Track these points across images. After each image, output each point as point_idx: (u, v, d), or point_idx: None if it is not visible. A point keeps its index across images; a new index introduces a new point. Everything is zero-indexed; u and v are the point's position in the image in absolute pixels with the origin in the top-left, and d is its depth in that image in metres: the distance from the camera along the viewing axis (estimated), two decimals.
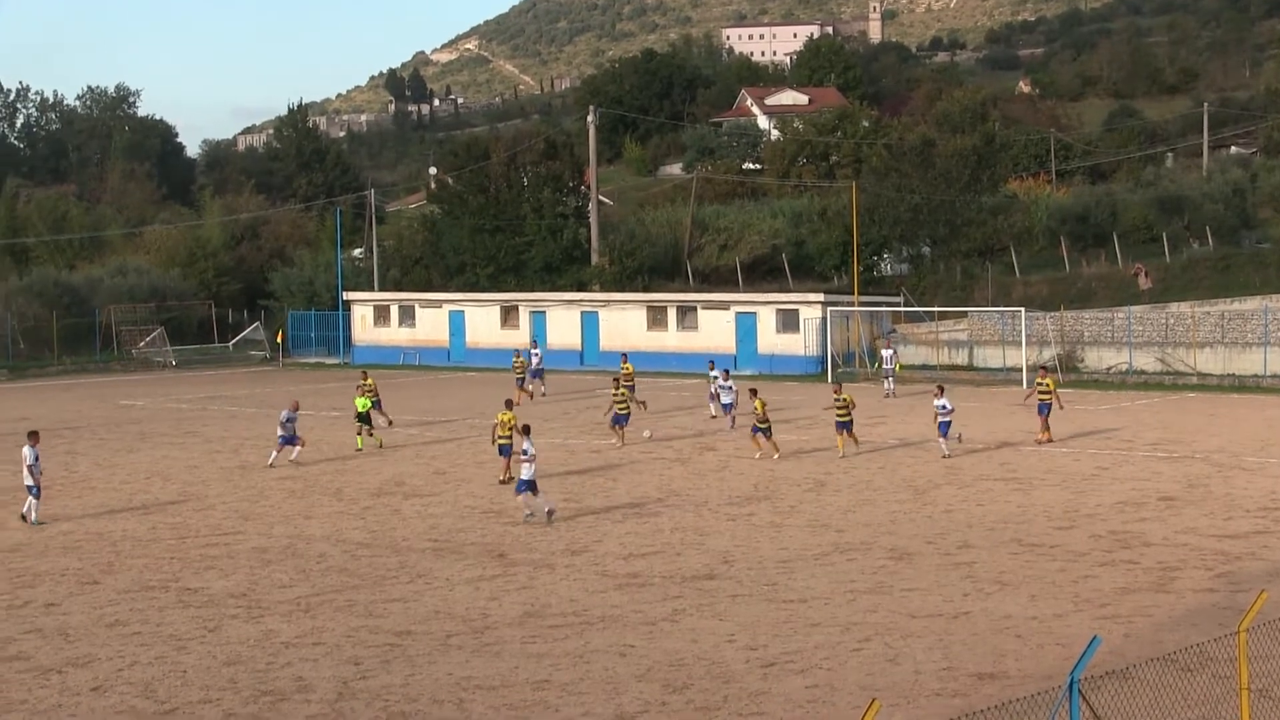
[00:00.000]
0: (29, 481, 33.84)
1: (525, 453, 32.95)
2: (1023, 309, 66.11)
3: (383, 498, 36.68)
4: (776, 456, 41.53)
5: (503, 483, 37.47)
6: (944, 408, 41.95)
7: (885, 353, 60.95)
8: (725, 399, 49.39)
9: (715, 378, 51.44)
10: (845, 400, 41.98)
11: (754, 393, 43.31)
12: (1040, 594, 24.97)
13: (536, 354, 63.63)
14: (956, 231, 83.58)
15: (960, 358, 70.35)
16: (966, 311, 73.26)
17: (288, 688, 20.49)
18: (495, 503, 35.43)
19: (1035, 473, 38.54)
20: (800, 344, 71.26)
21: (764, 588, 25.93)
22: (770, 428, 42.08)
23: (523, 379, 60.27)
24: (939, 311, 73.51)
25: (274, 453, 42.23)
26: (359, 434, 45.63)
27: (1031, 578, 26.19)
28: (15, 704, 20.08)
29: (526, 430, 34.62)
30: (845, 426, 41.99)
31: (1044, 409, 44.02)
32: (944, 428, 41.77)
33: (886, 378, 59.61)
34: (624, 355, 57.58)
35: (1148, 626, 22.79)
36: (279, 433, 42.22)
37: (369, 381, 53.26)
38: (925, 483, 37.36)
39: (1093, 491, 35.42)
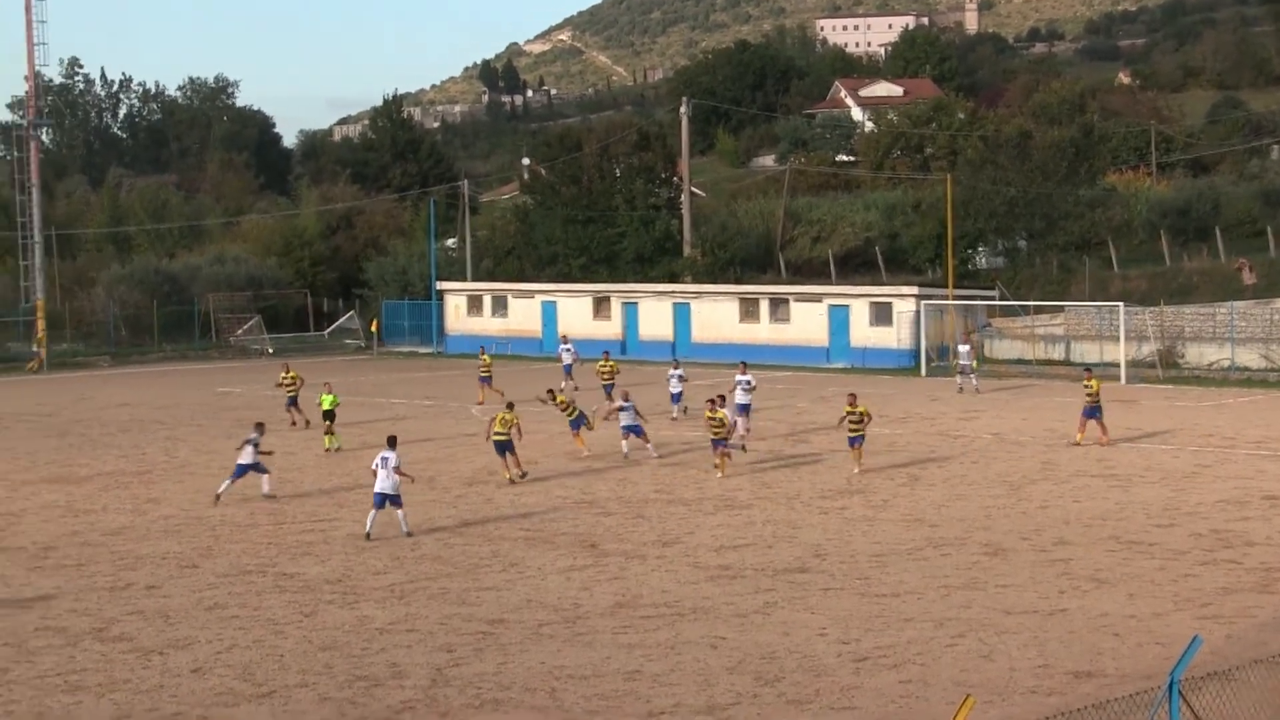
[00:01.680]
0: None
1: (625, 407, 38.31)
2: (1121, 304, 65.46)
3: (475, 486, 36.84)
4: (727, 467, 37.99)
5: (512, 482, 37.17)
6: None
7: (962, 349, 60.35)
8: (741, 399, 44.91)
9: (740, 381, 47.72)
10: (860, 413, 38.58)
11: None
12: (1139, 592, 24.74)
13: (569, 349, 62.38)
14: (1053, 225, 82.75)
15: (1056, 353, 69.76)
16: (1063, 306, 72.59)
17: (382, 673, 20.64)
18: (587, 493, 35.51)
19: (1134, 469, 38.16)
20: (893, 337, 70.90)
21: (856, 581, 25.84)
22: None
23: (489, 378, 56.49)
24: (1035, 306, 72.90)
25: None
26: (327, 434, 43.80)
27: (1129, 575, 25.94)
28: (119, 683, 20.37)
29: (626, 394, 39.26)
30: (856, 441, 38.50)
31: (1091, 412, 42.77)
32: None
33: (962, 373, 59.03)
34: (605, 352, 56.03)
35: (1251, 628, 22.50)
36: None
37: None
38: (1021, 478, 37.09)
39: (1193, 489, 35.02)
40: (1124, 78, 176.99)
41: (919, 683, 19.89)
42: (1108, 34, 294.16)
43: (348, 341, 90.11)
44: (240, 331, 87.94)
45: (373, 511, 30.30)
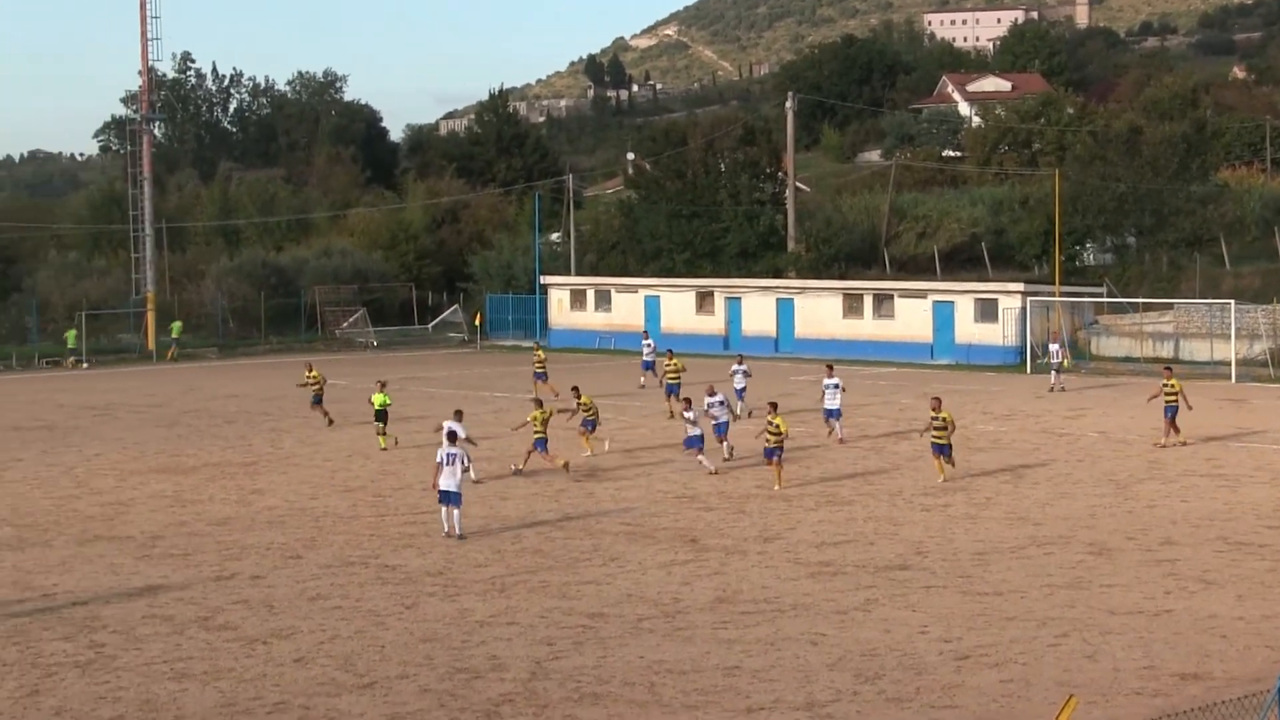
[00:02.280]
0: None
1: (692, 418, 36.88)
2: (1232, 301, 64.64)
3: (578, 481, 36.91)
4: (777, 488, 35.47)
5: (518, 471, 37.79)
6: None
7: (1053, 347, 59.79)
8: (830, 404, 43.81)
9: (736, 371, 49.29)
10: (945, 419, 35.98)
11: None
12: (1248, 594, 24.39)
13: (650, 345, 62.11)
14: (1163, 221, 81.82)
15: (1165, 350, 68.95)
16: (1172, 303, 71.80)
17: (482, 666, 20.73)
18: (688, 488, 35.49)
19: (1243, 469, 37.66)
20: (998, 334, 70.38)
21: (958, 579, 25.67)
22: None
23: (544, 374, 56.18)
24: (1144, 303, 72.13)
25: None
26: (380, 434, 42.88)
27: (1238, 577, 25.59)
28: (224, 672, 20.59)
29: (689, 403, 37.87)
30: (943, 450, 36.16)
31: (1170, 411, 41.96)
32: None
33: (1054, 371, 58.44)
34: (669, 350, 54.54)
35: None
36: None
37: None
38: (1127, 477, 36.70)
39: None
40: (1238, 72, 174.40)
41: (1021, 682, 19.72)
42: (1222, 27, 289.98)
43: (451, 335, 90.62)
44: (345, 324, 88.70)
45: (443, 509, 29.97)
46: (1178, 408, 41.96)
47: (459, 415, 36.78)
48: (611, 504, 33.65)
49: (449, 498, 29.87)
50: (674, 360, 50.82)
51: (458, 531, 29.79)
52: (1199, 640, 21.64)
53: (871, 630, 22.38)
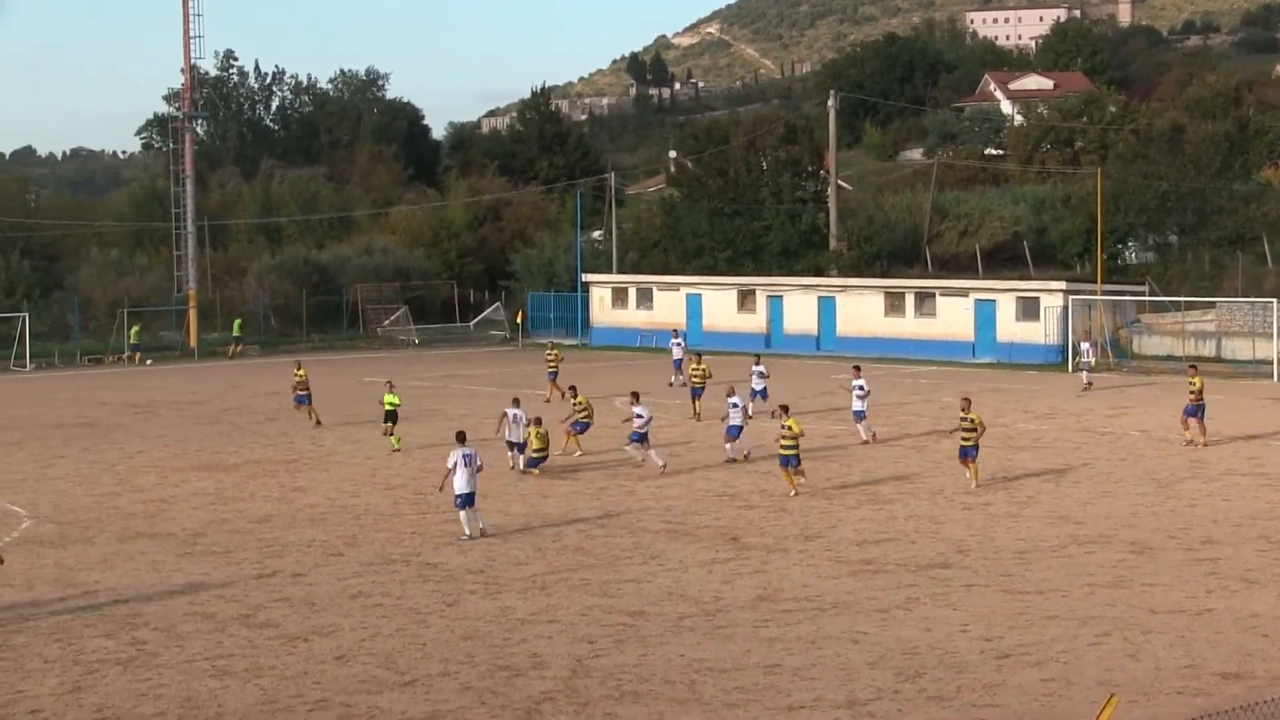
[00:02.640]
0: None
1: (640, 416, 36.93)
2: (1275, 300, 64.18)
3: (618, 479, 36.94)
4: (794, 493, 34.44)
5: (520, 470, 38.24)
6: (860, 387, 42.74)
7: (1084, 345, 59.53)
8: (856, 405, 43.46)
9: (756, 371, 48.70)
10: (973, 420, 34.91)
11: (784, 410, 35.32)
12: None
13: (680, 343, 61.50)
14: (1206, 220, 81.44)
15: (1207, 349, 68.61)
16: (1215, 302, 71.43)
17: (523, 663, 20.77)
18: (729, 486, 35.49)
19: None
20: (1040, 333, 70.12)
21: (1000, 578, 25.61)
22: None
23: (556, 374, 55.62)
24: (1185, 302, 71.78)
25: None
26: (389, 434, 42.68)
27: None
28: (265, 669, 20.68)
29: (636, 396, 38.58)
30: (969, 453, 35.15)
31: (1193, 410, 41.74)
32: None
33: (1084, 370, 58.13)
34: (697, 354, 53.67)
35: None
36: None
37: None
38: (1169, 476, 36.55)
39: None
40: None
41: (1062, 681, 19.67)
42: (1265, 25, 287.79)
43: (493, 333, 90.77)
44: (387, 322, 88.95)
45: (462, 513, 29.76)
46: (1204, 406, 41.83)
47: (517, 402, 38.96)
48: (653, 502, 33.67)
49: (469, 500, 29.70)
50: (702, 365, 50.24)
51: (480, 526, 29.79)
52: (1241, 639, 21.54)
53: (912, 629, 22.34)
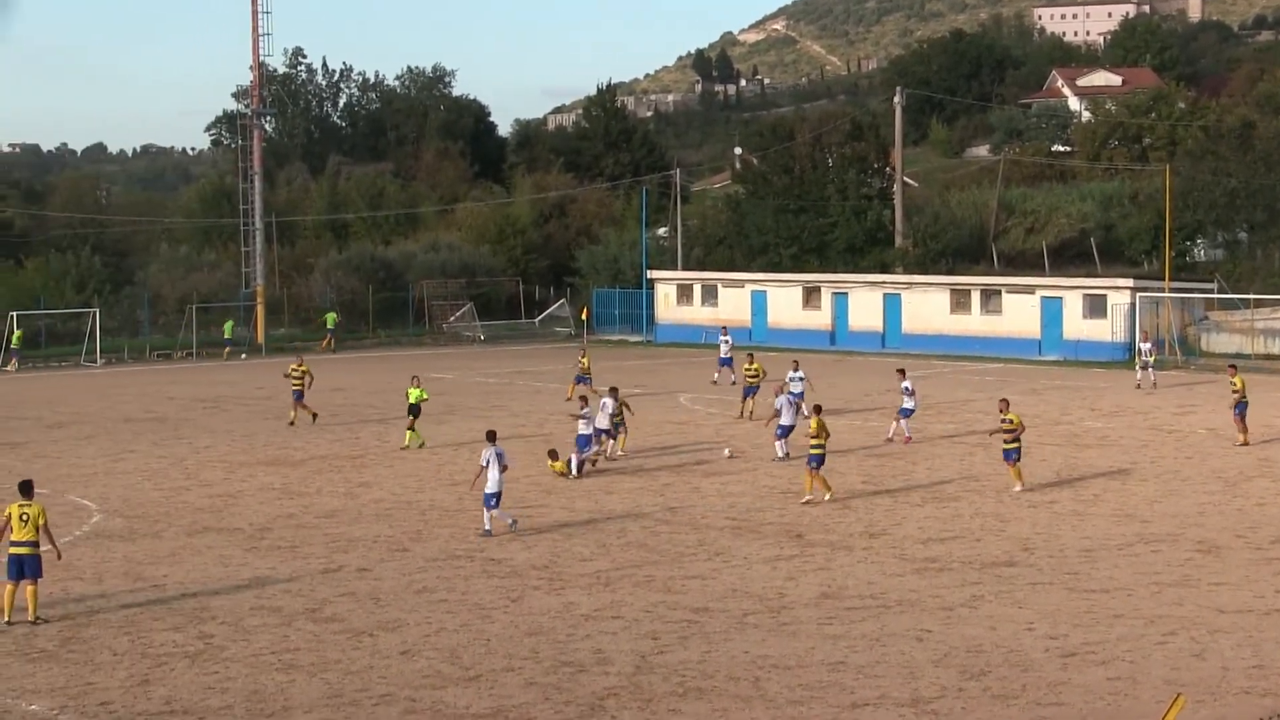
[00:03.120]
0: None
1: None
2: None
3: (682, 475, 36.98)
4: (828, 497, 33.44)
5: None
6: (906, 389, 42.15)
7: (1143, 345, 59.06)
8: (906, 404, 43.07)
9: (792, 379, 46.19)
10: (1014, 421, 34.19)
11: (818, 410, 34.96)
12: None
13: (727, 340, 60.25)
14: (1276, 217, 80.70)
15: (1277, 347, 68.04)
16: None
17: (587, 659, 20.83)
18: (794, 483, 35.44)
19: None
20: (1107, 330, 69.71)
21: (1065, 576, 25.49)
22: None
23: (587, 378, 54.18)
24: (1255, 299, 71.18)
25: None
26: (410, 429, 42.45)
27: None
28: (330, 663, 20.82)
29: (585, 401, 37.10)
30: (1011, 455, 34.37)
31: (1239, 409, 41.55)
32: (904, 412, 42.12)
33: (1145, 368, 57.58)
34: (750, 354, 52.56)
35: None
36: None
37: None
38: (1236, 474, 36.27)
39: None
40: None
41: (1128, 680, 19.58)
42: None
43: (558, 329, 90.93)
44: (453, 318, 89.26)
45: (486, 513, 29.74)
46: (1247, 404, 41.61)
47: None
48: (717, 498, 33.69)
49: (494, 500, 29.68)
50: (754, 364, 49.20)
51: (508, 521, 29.74)
52: None
53: (977, 627, 22.28)
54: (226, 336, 78.81)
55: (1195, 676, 19.66)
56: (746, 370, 49.53)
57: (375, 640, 22.00)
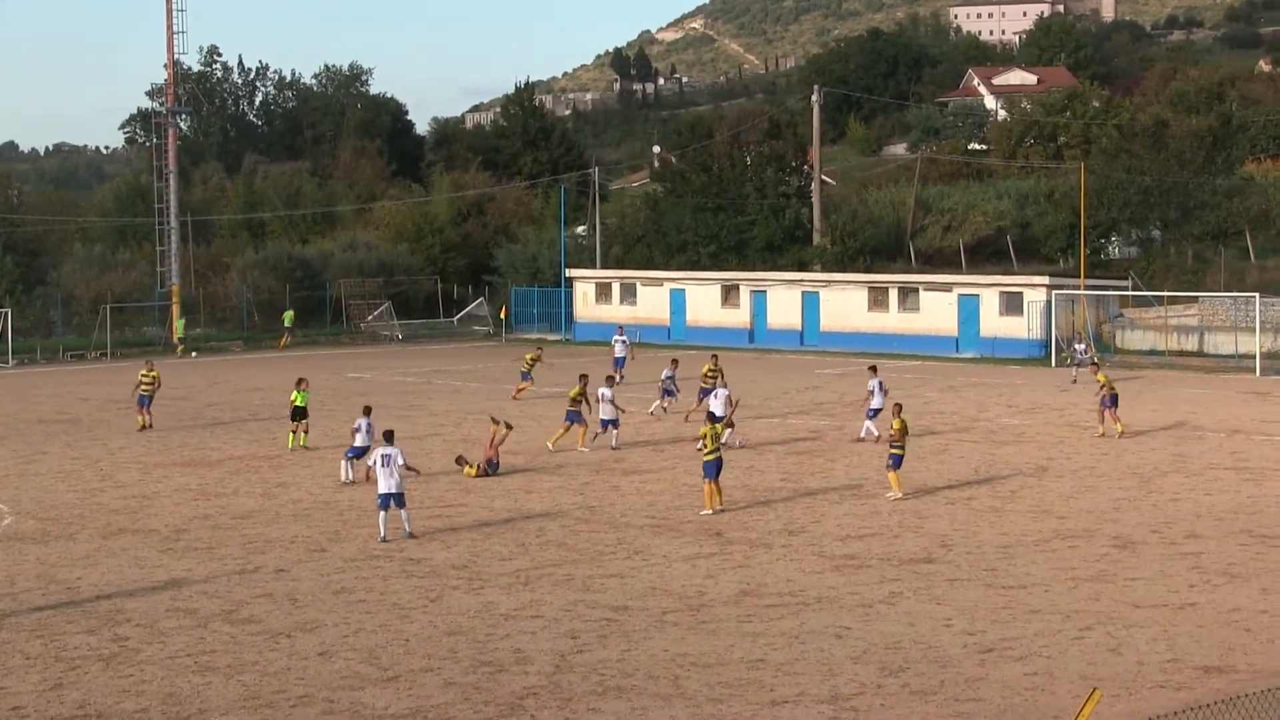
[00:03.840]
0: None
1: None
2: (1257, 295, 64.39)
3: (602, 474, 36.96)
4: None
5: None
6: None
7: (1078, 346, 59.81)
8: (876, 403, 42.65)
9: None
10: (899, 427, 33.42)
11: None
12: (1272, 587, 24.33)
13: (623, 340, 59.31)
14: (1189, 214, 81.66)
15: (1190, 344, 68.80)
16: (1197, 297, 71.62)
17: (506, 659, 20.76)
18: None
19: (1268, 462, 37.56)
20: (1023, 327, 70.24)
21: (983, 573, 25.64)
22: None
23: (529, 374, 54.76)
24: (1168, 296, 71.95)
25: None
26: (292, 432, 41.91)
27: (1263, 570, 25.53)
28: (248, 665, 20.64)
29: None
30: (897, 462, 33.22)
31: (1104, 401, 42.80)
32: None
33: (1078, 365, 58.12)
34: (714, 354, 51.12)
35: None
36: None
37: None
38: (1151, 470, 36.62)
39: None
40: (1264, 65, 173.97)
41: (1045, 675, 19.70)
42: (1248, 21, 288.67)
43: (477, 328, 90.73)
44: (371, 317, 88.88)
45: (381, 514, 29.31)
46: (1116, 396, 42.97)
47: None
48: (636, 497, 33.67)
49: (390, 500, 29.28)
50: (716, 367, 47.33)
51: (406, 530, 29.35)
52: (1223, 634, 21.59)
53: (896, 623, 22.36)
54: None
55: (1111, 671, 19.80)
56: (707, 371, 47.36)
57: (293, 641, 21.84)
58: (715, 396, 41.33)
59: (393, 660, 20.80)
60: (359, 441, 35.75)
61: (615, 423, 41.21)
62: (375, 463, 29.56)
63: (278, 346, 79.13)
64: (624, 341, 59.61)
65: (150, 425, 46.60)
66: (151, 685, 19.76)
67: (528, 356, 54.83)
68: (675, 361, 50.25)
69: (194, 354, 76.56)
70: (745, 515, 31.22)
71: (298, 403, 41.93)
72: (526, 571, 26.11)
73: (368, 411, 36.60)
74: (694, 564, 26.59)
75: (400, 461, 29.45)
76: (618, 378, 55.79)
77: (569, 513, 31.76)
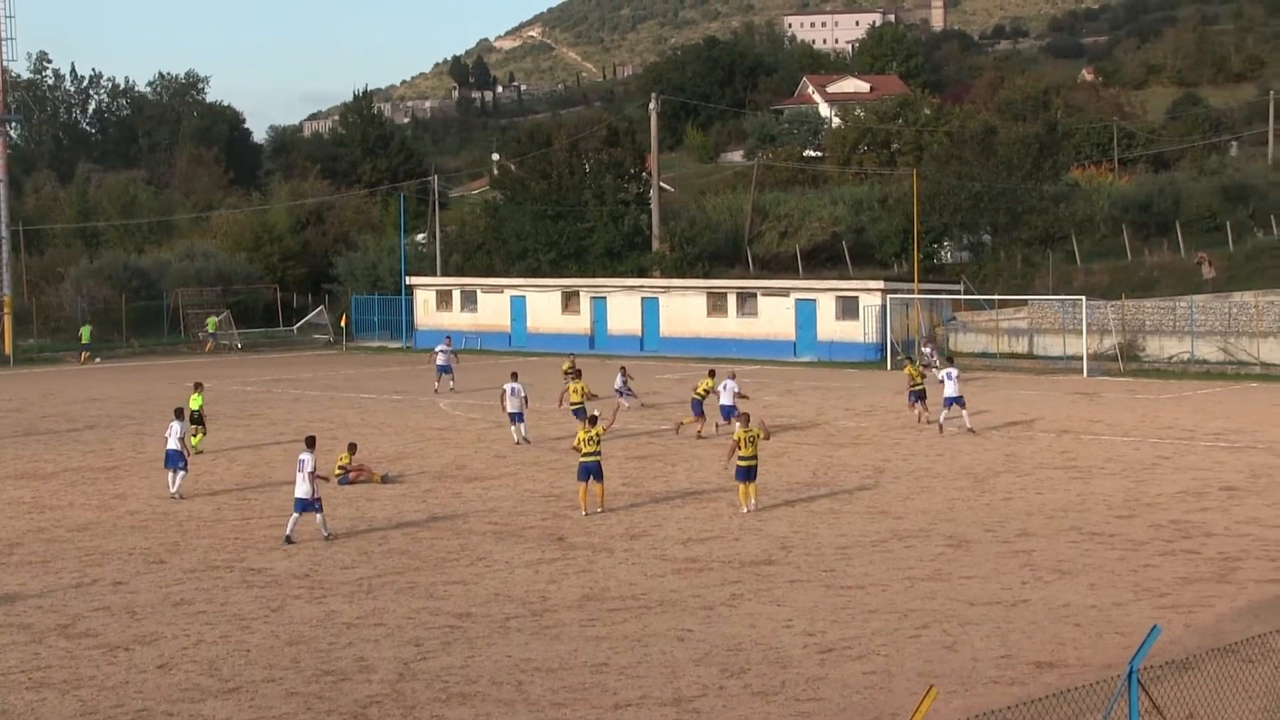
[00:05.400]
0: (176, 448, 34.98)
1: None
2: (1084, 297, 65.85)
3: (444, 481, 36.91)
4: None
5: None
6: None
7: (925, 350, 61.21)
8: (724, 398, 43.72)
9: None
10: (755, 435, 32.40)
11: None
12: (1100, 583, 24.93)
13: (446, 350, 58.72)
14: (1018, 219, 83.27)
15: (1020, 346, 70.16)
16: (1027, 300, 73.01)
17: (349, 668, 20.70)
18: (555, 487, 35.59)
19: (1095, 461, 38.43)
20: (859, 331, 71.16)
21: (822, 574, 25.98)
22: None
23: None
24: (999, 299, 73.28)
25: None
26: (195, 435, 41.49)
27: (1091, 566, 26.15)
28: (85, 680, 20.37)
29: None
30: (746, 475, 31.98)
31: (912, 396, 46.67)
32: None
33: (928, 367, 59.21)
34: (575, 362, 52.14)
35: (1209, 617, 22.71)
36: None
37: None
38: (984, 470, 37.31)
39: (1153, 481, 35.31)
40: (1087, 75, 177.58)
41: (883, 674, 20.02)
42: (1071, 31, 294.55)
43: (317, 336, 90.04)
44: (210, 339, 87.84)
45: (294, 515, 29.53)
46: (923, 391, 46.29)
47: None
48: (479, 504, 33.67)
49: (305, 506, 29.44)
50: (582, 385, 46.06)
51: (324, 533, 29.58)
52: (1054, 629, 22.09)
53: (737, 625, 22.60)
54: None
55: (947, 668, 20.18)
56: (574, 389, 45.70)
57: (131, 655, 21.59)
58: (724, 388, 44.04)
59: (234, 671, 20.65)
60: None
61: (521, 417, 42.96)
62: (297, 466, 29.76)
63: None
64: (446, 351, 58.86)
65: None
66: None
67: (564, 369, 52.91)
68: (624, 369, 51.90)
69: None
70: (587, 520, 31.34)
71: (193, 406, 42.02)
72: (369, 580, 26.03)
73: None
74: (537, 569, 26.68)
75: (310, 468, 29.48)
76: (437, 387, 55.79)
77: (412, 520, 31.69)
